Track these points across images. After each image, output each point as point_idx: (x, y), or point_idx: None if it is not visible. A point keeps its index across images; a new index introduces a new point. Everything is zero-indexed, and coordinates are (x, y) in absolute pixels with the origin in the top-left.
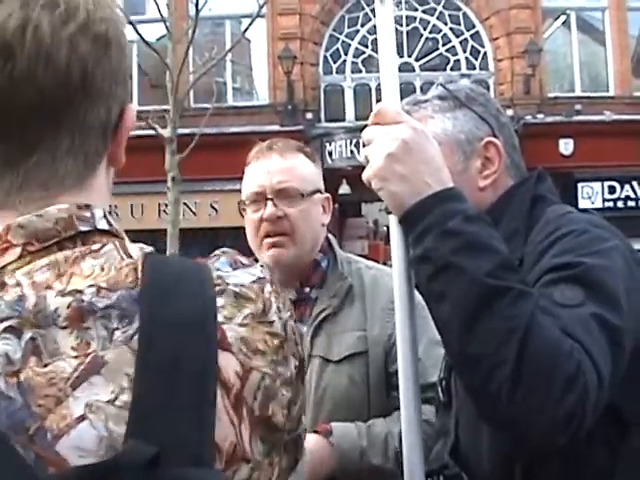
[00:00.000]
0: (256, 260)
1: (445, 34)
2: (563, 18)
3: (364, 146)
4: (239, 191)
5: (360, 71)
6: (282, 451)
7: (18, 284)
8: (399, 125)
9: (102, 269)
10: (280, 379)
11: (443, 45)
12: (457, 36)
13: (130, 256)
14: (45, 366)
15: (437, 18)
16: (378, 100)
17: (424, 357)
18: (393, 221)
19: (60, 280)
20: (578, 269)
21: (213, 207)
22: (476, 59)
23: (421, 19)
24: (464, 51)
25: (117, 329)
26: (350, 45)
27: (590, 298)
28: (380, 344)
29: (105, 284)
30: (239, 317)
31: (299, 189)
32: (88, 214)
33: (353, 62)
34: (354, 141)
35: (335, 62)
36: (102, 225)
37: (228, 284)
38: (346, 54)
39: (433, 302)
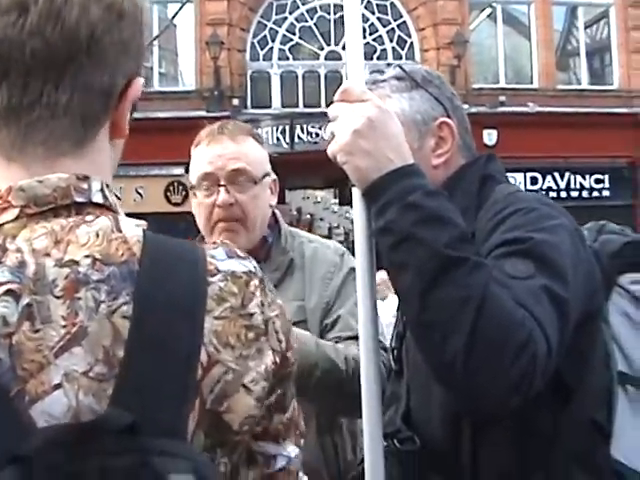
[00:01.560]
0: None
1: (372, 23)
2: (489, 11)
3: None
4: (164, 176)
5: (287, 58)
6: (235, 455)
7: (19, 250)
8: (365, 103)
9: (97, 236)
10: (249, 374)
11: (370, 34)
12: (384, 26)
13: (120, 230)
14: (36, 332)
15: (365, 7)
16: (304, 87)
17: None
18: (356, 194)
19: (58, 247)
20: (528, 244)
21: (138, 192)
22: (402, 49)
23: None
24: (391, 41)
25: (103, 302)
26: (278, 32)
27: (539, 271)
28: (317, 312)
29: (99, 255)
30: (218, 310)
31: (252, 175)
32: (85, 186)
33: (280, 49)
34: (280, 128)
35: (262, 49)
36: (97, 198)
37: (219, 271)
38: (273, 41)
39: (394, 272)
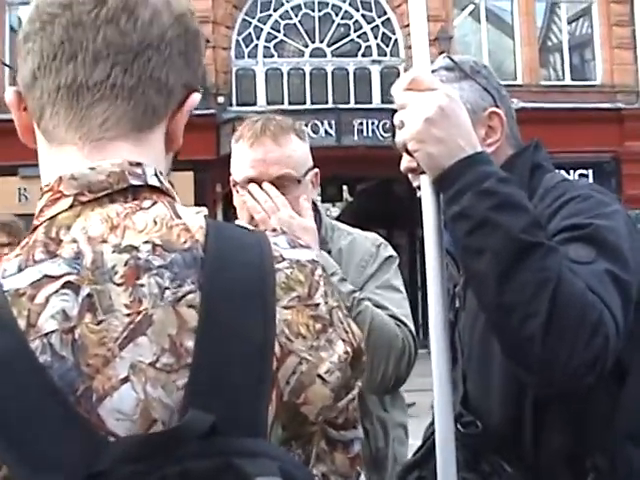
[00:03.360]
0: None
1: (357, 20)
2: (472, 7)
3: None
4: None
5: (272, 55)
6: (310, 446)
7: (74, 240)
8: (435, 92)
9: (155, 222)
10: (324, 365)
11: (355, 31)
12: (369, 23)
13: (179, 217)
14: (99, 323)
15: (349, 4)
16: (289, 84)
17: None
18: (425, 181)
19: (114, 233)
20: (588, 229)
21: None
22: (387, 46)
23: (333, 5)
24: (375, 37)
25: (168, 289)
26: (262, 29)
27: (601, 256)
28: None
29: (159, 240)
30: (285, 299)
31: (295, 177)
32: (140, 170)
33: (265, 46)
34: None
35: (247, 46)
36: (153, 181)
37: (284, 258)
38: (258, 38)
39: (470, 256)
